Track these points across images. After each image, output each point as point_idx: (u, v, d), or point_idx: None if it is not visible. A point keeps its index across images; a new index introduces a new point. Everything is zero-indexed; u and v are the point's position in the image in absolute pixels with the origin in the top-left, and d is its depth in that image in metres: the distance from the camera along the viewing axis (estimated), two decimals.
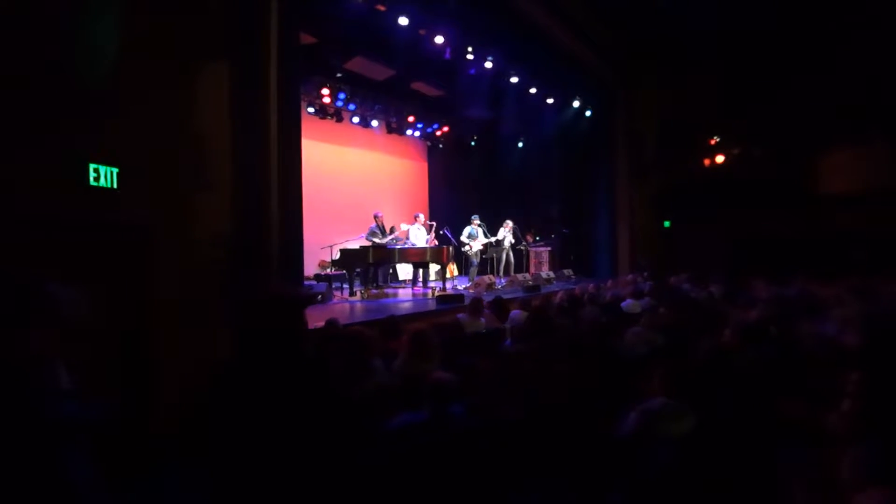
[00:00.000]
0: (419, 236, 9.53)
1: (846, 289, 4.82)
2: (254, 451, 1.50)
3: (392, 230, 9.35)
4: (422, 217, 9.86)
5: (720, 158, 11.86)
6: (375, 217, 9.21)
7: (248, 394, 1.53)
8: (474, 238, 9.76)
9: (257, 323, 1.56)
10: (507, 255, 10.16)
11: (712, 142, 11.93)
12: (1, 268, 2.54)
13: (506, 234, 10.10)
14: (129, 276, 3.85)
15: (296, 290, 4.27)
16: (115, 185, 3.66)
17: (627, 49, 11.18)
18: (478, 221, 9.91)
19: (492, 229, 10.09)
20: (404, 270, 10.40)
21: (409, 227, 9.86)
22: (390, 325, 4.37)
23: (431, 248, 8.67)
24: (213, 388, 1.58)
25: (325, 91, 9.33)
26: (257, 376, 1.55)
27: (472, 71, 8.99)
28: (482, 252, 9.96)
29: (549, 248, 11.39)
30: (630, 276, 9.10)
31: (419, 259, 8.61)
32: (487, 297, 6.05)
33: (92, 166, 3.54)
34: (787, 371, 2.65)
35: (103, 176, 3.57)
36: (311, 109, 9.62)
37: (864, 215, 10.09)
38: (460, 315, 4.81)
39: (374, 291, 8.42)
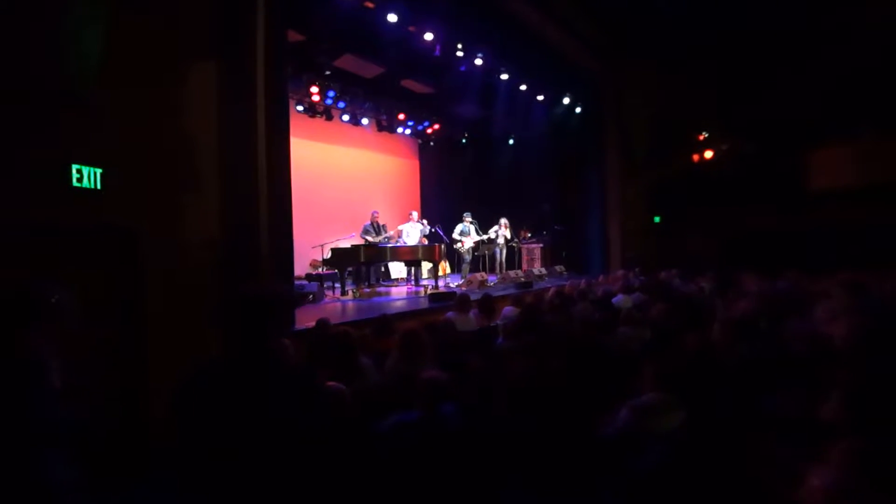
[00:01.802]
0: (412, 234, 9.49)
1: (837, 283, 4.85)
2: (240, 453, 1.48)
3: (385, 229, 9.32)
4: (415, 215, 9.84)
5: (709, 154, 11.94)
6: (372, 215, 9.17)
7: (228, 394, 1.51)
8: (466, 235, 9.74)
9: (238, 321, 1.54)
10: (501, 252, 10.17)
11: (701, 137, 12.00)
12: None
13: (500, 231, 10.09)
14: (116, 278, 3.80)
15: (273, 287, 4.23)
16: (99, 186, 3.60)
17: (617, 45, 11.19)
18: (469, 219, 9.89)
19: (484, 226, 10.08)
20: (396, 269, 10.37)
21: (402, 226, 9.81)
22: (382, 324, 4.35)
23: (423, 246, 8.65)
24: (193, 388, 1.56)
25: (314, 89, 9.22)
26: (237, 376, 1.53)
27: (462, 68, 8.96)
28: (474, 249, 9.95)
29: (541, 245, 11.41)
30: (621, 272, 9.13)
31: (411, 257, 8.58)
32: (476, 295, 6.04)
33: (75, 167, 3.48)
34: (777, 365, 2.66)
35: (87, 177, 3.52)
36: (300, 108, 9.51)
37: (855, 210, 10.18)
38: (449, 313, 4.79)
39: (367, 290, 8.38)
